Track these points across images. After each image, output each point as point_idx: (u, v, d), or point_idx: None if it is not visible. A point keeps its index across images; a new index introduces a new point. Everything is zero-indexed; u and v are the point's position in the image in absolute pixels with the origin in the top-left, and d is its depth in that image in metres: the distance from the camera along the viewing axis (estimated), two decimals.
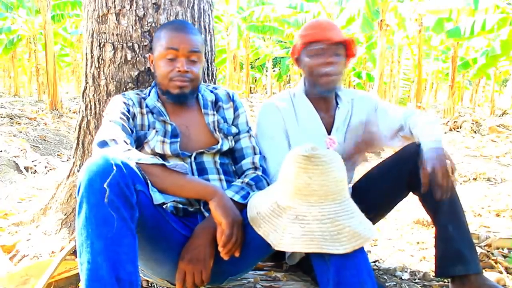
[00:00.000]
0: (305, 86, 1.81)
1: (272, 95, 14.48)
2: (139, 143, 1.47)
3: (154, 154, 1.45)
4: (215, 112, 1.59)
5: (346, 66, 1.79)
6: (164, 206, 1.39)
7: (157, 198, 1.24)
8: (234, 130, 1.59)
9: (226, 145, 1.54)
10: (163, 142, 1.46)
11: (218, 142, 1.53)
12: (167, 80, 1.49)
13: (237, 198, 1.38)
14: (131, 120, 1.47)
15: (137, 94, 1.57)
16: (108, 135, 1.35)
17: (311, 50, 1.69)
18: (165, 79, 1.49)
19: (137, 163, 1.22)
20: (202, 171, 1.49)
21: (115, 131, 1.37)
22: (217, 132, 1.55)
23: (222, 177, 1.52)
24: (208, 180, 1.48)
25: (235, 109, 1.64)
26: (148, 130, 1.49)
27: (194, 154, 1.49)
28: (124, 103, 1.49)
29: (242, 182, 1.47)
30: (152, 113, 1.53)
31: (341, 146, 1.80)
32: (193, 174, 1.47)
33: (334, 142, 1.77)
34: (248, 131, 1.62)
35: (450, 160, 1.52)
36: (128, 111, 1.48)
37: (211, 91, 1.65)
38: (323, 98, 1.78)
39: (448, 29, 9.85)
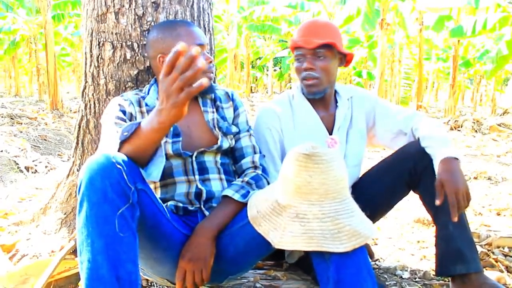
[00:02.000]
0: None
1: (273, 95, 14.47)
2: None
3: None
4: (214, 110, 1.59)
5: (344, 65, 1.78)
6: (164, 205, 1.39)
7: (154, 175, 1.19)
8: (234, 129, 1.59)
9: (225, 143, 1.54)
10: (165, 141, 1.45)
11: (218, 139, 1.53)
12: (202, 74, 1.47)
13: (237, 197, 1.38)
14: (127, 120, 1.44)
15: (136, 94, 1.55)
16: (104, 149, 1.28)
17: (295, 56, 1.73)
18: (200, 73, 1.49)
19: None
20: (203, 170, 1.49)
21: (110, 142, 1.30)
22: (216, 129, 1.54)
23: (223, 176, 1.52)
24: (209, 179, 1.48)
25: (235, 108, 1.63)
26: None
27: (195, 154, 1.49)
28: (119, 104, 1.46)
29: (242, 181, 1.47)
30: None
31: (344, 146, 1.79)
32: (193, 173, 1.47)
33: (335, 142, 1.75)
34: (248, 130, 1.62)
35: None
36: (124, 112, 1.45)
37: None
38: (320, 97, 1.77)
39: (451, 28, 9.84)
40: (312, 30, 1.68)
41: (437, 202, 1.48)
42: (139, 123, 1.13)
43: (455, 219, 1.45)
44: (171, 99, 0.99)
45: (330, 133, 1.77)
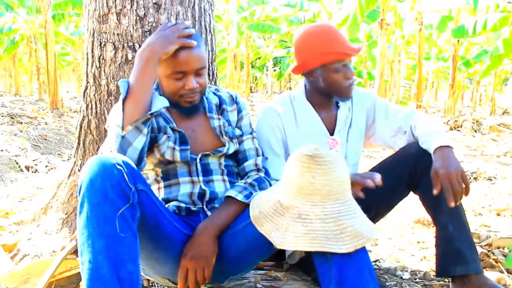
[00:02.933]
0: (306, 90, 1.79)
1: (272, 94, 14.46)
2: (149, 145, 1.43)
3: (163, 159, 1.44)
4: (219, 116, 1.58)
5: None
6: (166, 206, 1.40)
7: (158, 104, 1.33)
8: (237, 132, 1.59)
9: (232, 148, 1.54)
10: (174, 148, 1.44)
11: (224, 145, 1.52)
12: (177, 97, 1.43)
13: (240, 197, 1.38)
14: None
15: None
16: (107, 148, 1.30)
17: (334, 68, 1.66)
18: (174, 96, 1.43)
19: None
20: (207, 172, 1.49)
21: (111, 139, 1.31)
22: (224, 136, 1.54)
23: (226, 178, 1.52)
24: (212, 180, 1.49)
25: (239, 111, 1.63)
26: (159, 133, 1.45)
27: (199, 156, 1.49)
28: None
29: (245, 183, 1.47)
30: (161, 117, 1.48)
31: (344, 146, 1.79)
32: (197, 174, 1.48)
33: (337, 142, 1.76)
34: (251, 133, 1.62)
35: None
36: None
37: (214, 94, 1.63)
38: (325, 100, 1.77)
39: (453, 28, 9.82)
40: (344, 37, 1.67)
41: (435, 192, 1.48)
42: (127, 80, 1.32)
43: (452, 205, 1.44)
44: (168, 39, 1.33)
45: (331, 134, 1.78)
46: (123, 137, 1.24)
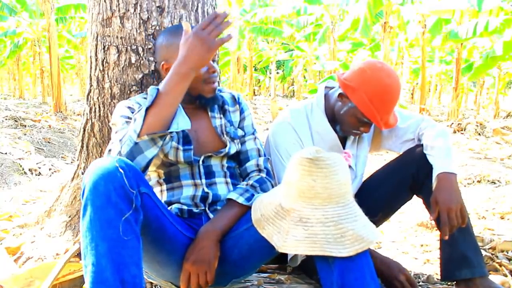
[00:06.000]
0: (325, 100, 1.75)
1: (275, 97, 14.46)
2: None
3: (166, 160, 1.44)
4: (221, 116, 1.58)
5: None
6: (169, 208, 1.40)
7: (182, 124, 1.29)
8: (240, 133, 1.59)
9: (233, 148, 1.54)
10: (177, 148, 1.44)
11: (226, 146, 1.53)
12: (201, 84, 1.44)
13: (241, 200, 1.38)
14: None
15: (144, 98, 1.52)
16: (116, 150, 1.29)
17: (360, 118, 1.63)
18: (199, 83, 1.43)
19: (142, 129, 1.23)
20: (209, 174, 1.49)
21: (117, 142, 1.31)
22: (225, 135, 1.54)
23: (229, 180, 1.52)
24: (215, 183, 1.49)
25: (241, 111, 1.63)
26: None
27: (202, 158, 1.49)
28: (128, 107, 1.44)
29: (246, 184, 1.47)
30: None
31: (354, 158, 1.79)
32: (200, 177, 1.48)
33: (349, 156, 1.75)
34: (253, 133, 1.62)
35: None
36: (133, 113, 1.45)
37: None
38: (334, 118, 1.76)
39: (448, 31, 9.81)
40: (394, 106, 1.65)
41: (430, 218, 1.52)
42: (157, 88, 1.25)
43: (446, 238, 1.46)
44: (207, 44, 1.20)
45: (343, 147, 1.77)
46: (136, 143, 1.23)
